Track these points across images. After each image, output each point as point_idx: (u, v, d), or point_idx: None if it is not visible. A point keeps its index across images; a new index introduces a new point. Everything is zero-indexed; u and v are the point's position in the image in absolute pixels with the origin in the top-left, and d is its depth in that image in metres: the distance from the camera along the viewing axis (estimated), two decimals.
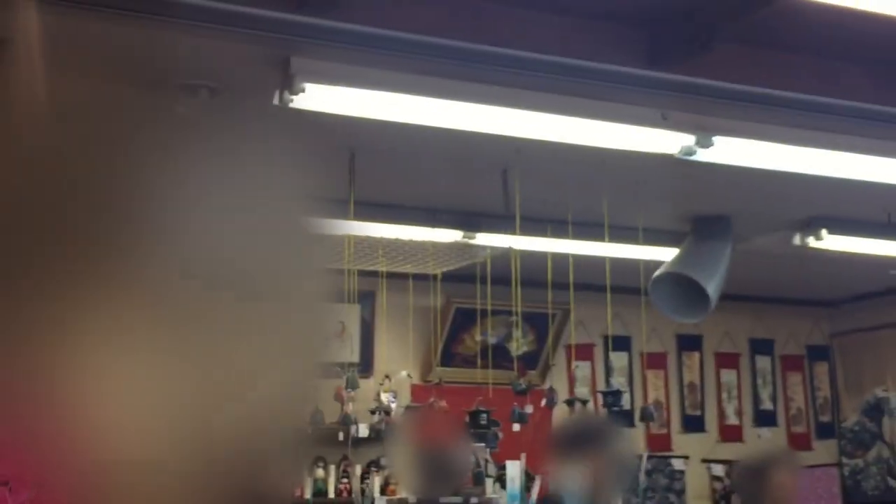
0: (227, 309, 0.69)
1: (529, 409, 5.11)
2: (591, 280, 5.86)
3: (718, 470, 7.64)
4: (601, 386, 7.39)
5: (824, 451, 8.12)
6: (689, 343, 7.89)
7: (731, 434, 7.86)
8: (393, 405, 6.38)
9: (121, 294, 0.68)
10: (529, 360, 6.97)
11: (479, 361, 6.83)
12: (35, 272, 0.69)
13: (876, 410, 8.01)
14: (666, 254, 5.78)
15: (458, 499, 4.02)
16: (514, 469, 4.58)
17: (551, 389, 5.29)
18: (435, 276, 5.50)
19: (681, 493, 7.57)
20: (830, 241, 5.72)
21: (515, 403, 5.13)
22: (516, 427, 5.38)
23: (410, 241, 4.77)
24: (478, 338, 7.06)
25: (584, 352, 7.18)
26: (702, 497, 7.68)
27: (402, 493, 5.96)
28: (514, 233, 4.98)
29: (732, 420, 7.93)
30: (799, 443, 7.93)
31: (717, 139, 4.09)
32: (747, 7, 3.38)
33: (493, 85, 3.80)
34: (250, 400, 0.69)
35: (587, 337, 7.31)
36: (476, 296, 6.03)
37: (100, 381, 0.67)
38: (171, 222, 0.69)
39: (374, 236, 4.73)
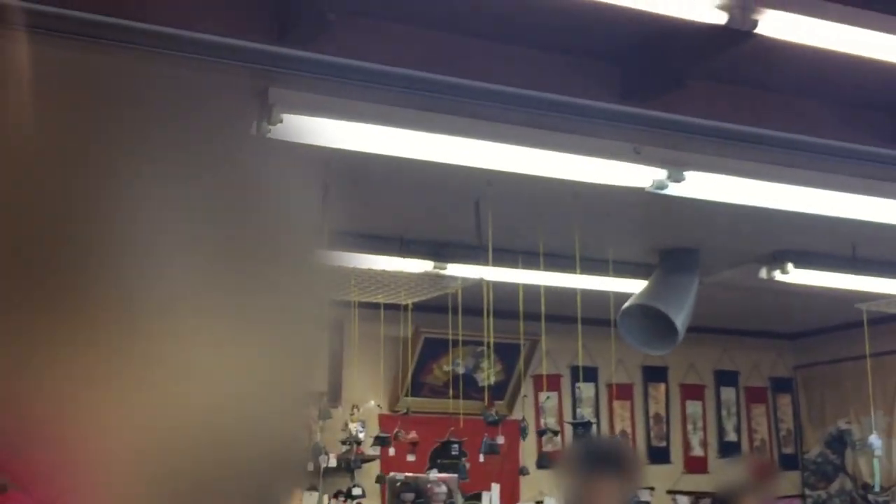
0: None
1: (501, 439, 5.12)
2: (559, 311, 5.90)
3: (684, 501, 7.67)
4: (568, 416, 7.43)
5: (787, 482, 8.19)
6: (655, 374, 7.94)
7: (696, 465, 7.91)
8: (361, 435, 6.37)
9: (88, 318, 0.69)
10: (497, 391, 6.99)
11: (446, 391, 6.84)
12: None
13: (839, 443, 8.09)
14: (634, 286, 5.84)
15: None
16: (487, 499, 4.59)
17: (523, 420, 5.30)
18: (406, 306, 5.51)
19: None
20: (796, 275, 5.80)
21: (486, 434, 5.14)
22: (482, 458, 5.39)
23: (383, 272, 4.78)
24: (446, 368, 7.07)
25: (552, 382, 7.21)
26: None
27: None
28: (485, 264, 5.01)
29: (697, 451, 7.99)
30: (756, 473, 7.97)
31: (688, 174, 4.15)
32: (720, 45, 3.44)
33: (468, 117, 3.84)
34: (244, 421, 0.70)
35: (554, 368, 7.33)
36: (445, 326, 6.05)
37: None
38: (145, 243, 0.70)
39: (347, 266, 4.74)
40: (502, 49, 3.89)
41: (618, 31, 3.71)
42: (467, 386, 6.80)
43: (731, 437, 8.14)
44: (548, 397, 7.32)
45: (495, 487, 4.64)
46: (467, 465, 5.58)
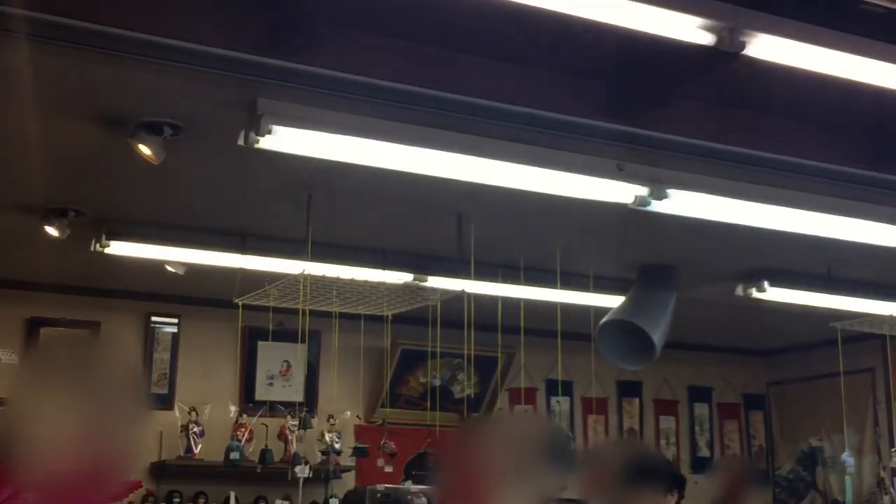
0: None
1: None
2: (536, 325, 5.92)
3: None
4: None
5: (758, 499, 8.24)
6: (629, 389, 7.98)
7: None
8: (337, 445, 6.36)
9: None
10: (474, 403, 7.00)
11: (422, 403, 6.85)
12: None
13: (810, 460, 8.16)
14: (612, 301, 5.87)
15: None
16: None
17: None
18: (385, 318, 5.52)
19: None
20: (772, 293, 5.86)
21: None
22: None
23: (365, 283, 4.79)
24: (423, 379, 7.07)
25: (527, 396, 7.23)
26: None
27: None
28: (465, 277, 5.02)
29: None
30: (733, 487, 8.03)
31: (670, 191, 4.19)
32: (706, 66, 3.48)
33: (453, 131, 3.85)
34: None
35: (530, 381, 7.36)
36: (422, 337, 6.05)
37: None
38: None
39: (330, 276, 4.74)
40: (489, 64, 3.91)
41: (605, 48, 3.74)
42: (443, 398, 6.81)
43: (704, 452, 8.19)
44: (525, 410, 7.34)
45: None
46: None
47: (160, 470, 6.39)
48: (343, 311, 5.29)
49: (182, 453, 6.38)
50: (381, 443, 5.50)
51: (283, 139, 3.65)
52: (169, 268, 5.51)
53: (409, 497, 4.10)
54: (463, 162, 3.96)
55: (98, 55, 3.32)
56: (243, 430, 6.27)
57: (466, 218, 4.90)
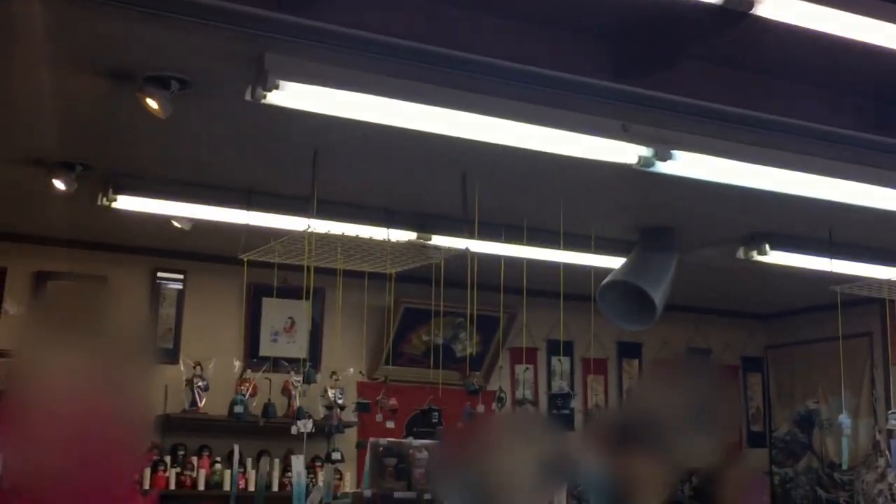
0: None
1: (481, 408, 5.20)
2: (538, 286, 5.97)
3: None
4: (544, 388, 7.52)
5: (755, 459, 8.33)
6: (629, 350, 8.05)
7: None
8: (340, 401, 6.43)
9: None
10: (475, 362, 7.06)
11: (424, 361, 6.91)
12: None
13: (807, 422, 8.24)
14: (614, 262, 5.91)
15: (413, 494, 4.08)
16: None
17: (501, 390, 5.38)
18: (389, 276, 5.56)
19: None
20: (773, 256, 5.89)
21: (468, 403, 5.21)
22: (460, 426, 5.46)
23: (369, 240, 4.82)
24: (425, 338, 7.13)
25: (529, 355, 7.29)
26: None
27: (346, 488, 6.01)
28: (469, 236, 5.06)
29: None
30: (731, 449, 8.12)
31: (674, 152, 4.21)
32: (715, 25, 3.49)
33: (459, 89, 3.87)
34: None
35: (531, 341, 7.41)
36: (425, 296, 6.10)
37: None
38: None
39: (334, 234, 4.78)
40: (495, 22, 3.92)
41: (612, 7, 3.75)
42: (445, 356, 6.88)
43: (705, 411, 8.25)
44: (526, 369, 7.42)
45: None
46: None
47: (165, 423, 6.47)
48: (347, 268, 5.33)
49: (187, 407, 6.45)
50: (378, 398, 5.56)
51: (290, 95, 3.68)
52: (175, 223, 5.54)
53: (410, 451, 4.16)
54: (468, 120, 3.98)
55: (107, 8, 3.33)
56: (247, 385, 6.33)
57: (471, 177, 4.92)
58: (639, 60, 3.90)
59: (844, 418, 5.95)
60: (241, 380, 6.35)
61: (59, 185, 4.90)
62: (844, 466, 6.94)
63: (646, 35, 3.85)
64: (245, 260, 5.16)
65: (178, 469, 6.37)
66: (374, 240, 4.87)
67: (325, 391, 6.47)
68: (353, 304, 6.26)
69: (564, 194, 5.14)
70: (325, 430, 5.33)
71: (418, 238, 5.46)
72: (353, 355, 6.76)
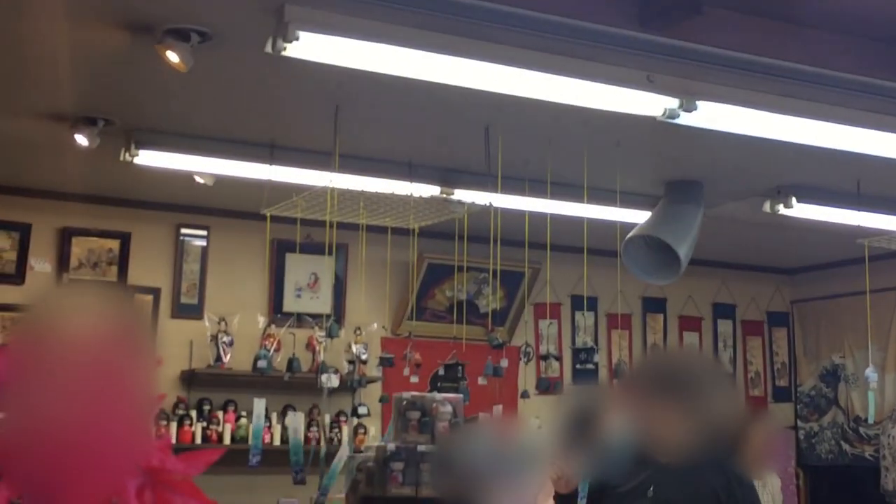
0: None
1: (505, 363, 5.19)
2: (562, 241, 5.93)
3: None
4: (568, 343, 7.52)
5: (780, 414, 8.31)
6: (653, 305, 8.02)
7: None
8: (364, 356, 6.45)
9: None
10: (498, 317, 7.06)
11: (448, 317, 6.91)
12: None
13: (832, 376, 8.20)
14: (638, 216, 5.87)
15: (436, 447, 4.10)
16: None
17: (525, 345, 5.37)
18: (412, 231, 5.55)
19: None
20: (800, 209, 5.83)
21: (490, 357, 5.21)
22: (482, 381, 5.46)
23: (392, 195, 4.81)
24: (448, 293, 7.13)
25: (552, 310, 7.28)
26: None
27: (370, 442, 6.03)
28: (492, 190, 5.02)
29: None
30: (755, 405, 8.12)
31: (700, 103, 4.15)
32: None
33: (482, 40, 3.83)
34: None
35: (555, 296, 7.39)
36: (447, 252, 6.09)
37: None
38: None
39: (356, 189, 4.76)
40: None
41: None
42: (469, 312, 6.88)
43: (727, 368, 8.23)
44: (550, 324, 7.41)
45: (497, 409, 4.72)
46: (468, 389, 5.66)
47: (190, 378, 6.51)
48: (370, 223, 5.32)
49: (212, 362, 6.49)
50: (405, 352, 5.58)
51: (311, 46, 3.64)
52: (198, 178, 5.54)
53: (433, 405, 4.17)
54: (491, 71, 3.94)
55: None
56: (271, 340, 6.36)
57: (494, 131, 4.88)
58: (665, 9, 3.84)
59: (871, 372, 5.91)
60: (266, 335, 6.37)
61: (81, 140, 4.90)
62: (871, 421, 6.90)
63: None
64: (268, 214, 5.16)
65: (204, 424, 6.42)
66: (397, 194, 4.86)
67: (349, 346, 6.49)
68: (376, 259, 6.26)
69: (588, 147, 5.09)
70: (350, 384, 5.34)
71: (441, 192, 5.44)
72: (376, 311, 6.77)
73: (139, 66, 4.23)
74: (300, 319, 6.50)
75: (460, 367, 5.29)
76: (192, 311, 6.61)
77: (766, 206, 5.89)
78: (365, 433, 6.48)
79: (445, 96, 4.29)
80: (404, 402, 4.16)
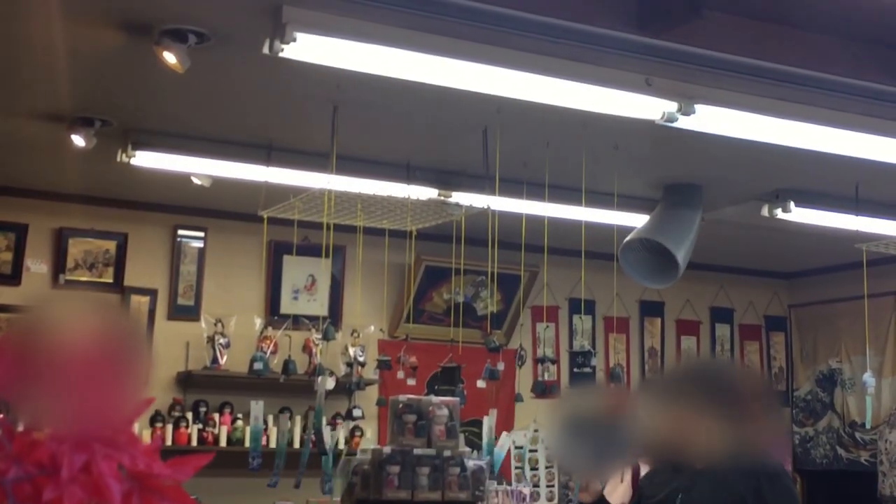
0: None
1: (501, 366, 5.18)
2: (560, 243, 5.92)
3: None
4: (565, 347, 7.50)
5: (779, 418, 8.30)
6: (651, 309, 8.01)
7: None
8: (361, 359, 6.44)
9: None
10: (496, 320, 7.05)
11: (445, 319, 6.90)
12: None
13: (829, 381, 8.19)
14: (636, 220, 5.86)
15: (433, 451, 4.08)
16: (487, 424, 4.67)
17: (521, 348, 5.36)
18: (410, 233, 5.53)
19: None
20: (798, 214, 5.82)
21: (488, 361, 5.20)
22: (481, 383, 5.45)
23: (389, 197, 4.79)
24: (446, 296, 7.12)
25: (550, 314, 7.27)
26: None
27: (366, 445, 6.02)
28: (490, 192, 5.01)
29: None
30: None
31: (698, 107, 4.14)
32: None
33: (480, 43, 3.82)
34: None
35: (552, 299, 7.39)
36: (445, 254, 6.08)
37: None
38: None
39: (353, 191, 4.75)
40: None
41: None
42: (466, 315, 6.86)
43: (764, 376, 8.21)
44: (548, 327, 7.39)
45: (493, 412, 4.71)
46: (464, 392, 5.65)
47: (186, 380, 6.50)
48: (367, 225, 5.31)
49: (208, 364, 6.48)
50: (398, 355, 5.56)
51: (308, 48, 3.63)
52: (195, 179, 5.53)
53: (430, 408, 4.15)
54: (489, 74, 3.93)
55: None
56: (268, 342, 6.34)
57: (492, 133, 4.87)
58: (664, 12, 3.83)
59: (869, 377, 5.90)
60: (262, 337, 6.36)
61: (78, 140, 4.89)
62: (868, 426, 6.90)
63: None
64: (265, 216, 5.14)
65: (200, 426, 6.40)
66: (395, 197, 4.84)
67: (346, 349, 6.48)
68: (373, 261, 6.24)
69: (587, 151, 5.08)
70: (347, 387, 5.33)
71: (439, 195, 5.43)
72: (373, 313, 6.76)
73: (136, 66, 4.21)
74: (297, 321, 6.48)
75: (458, 370, 5.27)
76: (189, 313, 6.60)
77: (765, 210, 5.88)
78: (361, 435, 6.46)
79: (443, 98, 4.28)
80: (401, 405, 4.14)
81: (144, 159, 5.16)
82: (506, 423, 6.56)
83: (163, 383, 6.36)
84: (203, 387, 6.53)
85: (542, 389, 5.88)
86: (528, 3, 3.77)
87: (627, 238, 5.63)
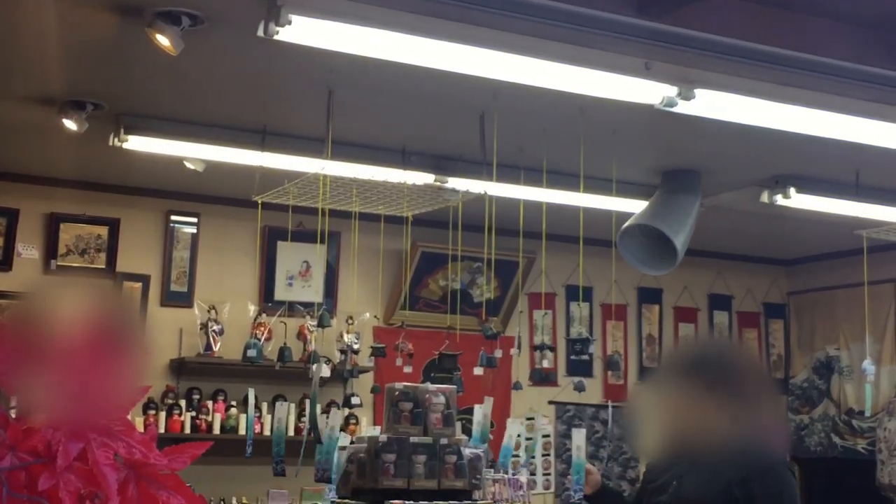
0: None
1: (499, 353, 5.14)
2: (557, 230, 5.88)
3: None
4: (562, 334, 7.46)
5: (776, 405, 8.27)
6: (649, 296, 7.97)
7: None
8: (356, 346, 6.39)
9: None
10: (493, 307, 7.00)
11: (441, 306, 6.85)
12: None
13: (826, 368, 8.15)
14: (635, 206, 5.81)
15: (429, 439, 4.03)
16: (479, 412, 4.62)
17: (519, 335, 5.32)
18: (406, 219, 5.48)
19: None
20: (798, 200, 5.78)
21: (483, 348, 5.16)
22: (478, 371, 5.40)
23: (385, 182, 4.74)
24: (442, 282, 7.07)
25: (547, 301, 7.23)
26: None
27: (362, 433, 5.98)
28: (487, 178, 4.96)
29: None
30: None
31: (698, 92, 4.09)
32: None
33: (477, 26, 3.76)
34: None
35: (549, 286, 7.34)
36: (442, 240, 6.03)
37: None
38: None
39: (348, 176, 4.69)
40: None
41: None
42: (462, 301, 6.82)
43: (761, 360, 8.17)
44: (545, 314, 7.35)
45: (488, 400, 4.66)
46: (461, 380, 5.60)
47: (179, 367, 6.45)
48: (363, 210, 5.25)
49: (201, 351, 6.43)
50: (396, 343, 5.52)
51: (303, 31, 3.57)
52: (188, 164, 5.47)
53: (426, 396, 4.11)
54: (486, 57, 3.87)
55: None
56: (262, 328, 6.29)
57: (489, 118, 4.82)
58: None
59: (869, 364, 5.86)
60: (256, 324, 6.31)
61: (69, 124, 4.83)
62: (868, 413, 6.86)
63: None
64: (259, 201, 5.09)
65: (193, 413, 6.36)
66: (391, 182, 4.79)
67: (341, 336, 6.43)
68: (368, 247, 6.19)
69: (585, 136, 5.03)
70: (342, 374, 5.29)
71: (435, 180, 5.37)
72: (369, 300, 6.71)
73: (129, 49, 4.15)
74: (291, 308, 6.44)
75: (454, 358, 5.22)
76: (182, 299, 6.54)
77: (764, 197, 5.84)
78: (357, 423, 6.42)
79: (440, 82, 4.22)
80: (396, 393, 4.10)
81: (137, 143, 5.11)
82: (502, 412, 6.52)
83: (156, 370, 6.31)
84: (196, 374, 6.48)
85: (540, 377, 5.85)
86: None
87: (626, 224, 5.58)
